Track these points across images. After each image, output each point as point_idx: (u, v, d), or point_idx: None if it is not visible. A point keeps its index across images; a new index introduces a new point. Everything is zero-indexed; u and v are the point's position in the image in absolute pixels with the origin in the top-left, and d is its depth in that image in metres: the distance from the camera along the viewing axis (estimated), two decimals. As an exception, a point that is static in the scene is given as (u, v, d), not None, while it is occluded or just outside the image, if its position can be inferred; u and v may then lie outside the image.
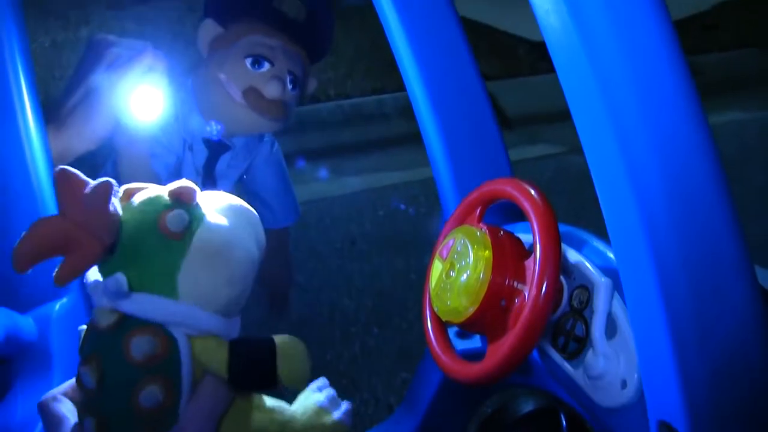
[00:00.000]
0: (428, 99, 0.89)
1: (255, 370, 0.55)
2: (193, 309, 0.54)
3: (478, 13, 4.42)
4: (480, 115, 0.90)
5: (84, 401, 0.54)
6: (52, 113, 0.94)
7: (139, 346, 0.52)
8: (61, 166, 0.53)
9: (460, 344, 0.99)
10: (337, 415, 0.61)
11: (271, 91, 1.08)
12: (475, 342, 1.01)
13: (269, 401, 0.59)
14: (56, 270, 0.51)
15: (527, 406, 1.10)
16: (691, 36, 4.58)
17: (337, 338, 1.93)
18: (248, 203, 1.31)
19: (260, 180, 1.29)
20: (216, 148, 1.16)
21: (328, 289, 2.13)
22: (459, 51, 0.90)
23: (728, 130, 3.44)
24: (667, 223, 0.52)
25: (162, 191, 0.56)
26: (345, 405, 0.62)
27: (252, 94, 1.08)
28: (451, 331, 1.02)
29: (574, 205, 2.56)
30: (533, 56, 4.02)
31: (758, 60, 4.52)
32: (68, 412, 0.55)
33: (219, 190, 1.21)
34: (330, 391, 0.63)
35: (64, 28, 3.92)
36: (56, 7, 4.22)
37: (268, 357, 0.56)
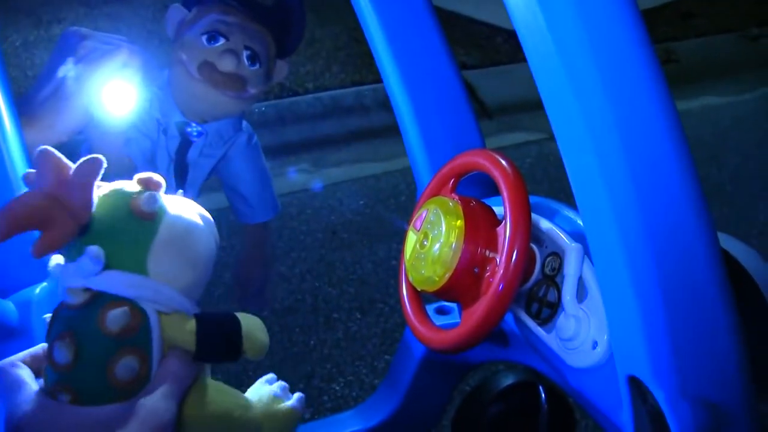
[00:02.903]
0: (401, 79, 0.90)
1: (222, 341, 0.57)
2: (162, 285, 0.56)
3: (456, 3, 4.43)
4: (452, 92, 0.92)
5: (56, 378, 0.54)
6: (23, 106, 0.93)
7: (115, 317, 0.53)
8: (43, 146, 0.54)
9: (439, 320, 1.01)
10: (290, 402, 0.63)
11: (225, 64, 1.09)
12: (453, 317, 1.03)
13: (227, 387, 0.60)
14: (34, 244, 0.52)
15: (507, 381, 1.12)
16: (669, 23, 4.61)
17: (321, 325, 1.95)
18: (227, 198, 1.30)
19: (238, 173, 1.29)
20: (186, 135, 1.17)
21: (310, 278, 2.15)
22: (429, 32, 0.91)
23: (704, 115, 3.47)
24: (629, 187, 0.54)
25: (128, 183, 0.58)
26: (297, 394, 0.64)
27: (206, 68, 1.10)
28: (431, 308, 1.03)
29: (555, 190, 2.60)
30: (511, 45, 4.04)
31: (734, 46, 4.56)
32: (28, 377, 0.55)
33: (191, 179, 1.22)
34: (281, 383, 0.65)
35: (35, 26, 3.88)
36: (27, 6, 4.18)
37: (234, 328, 0.58)
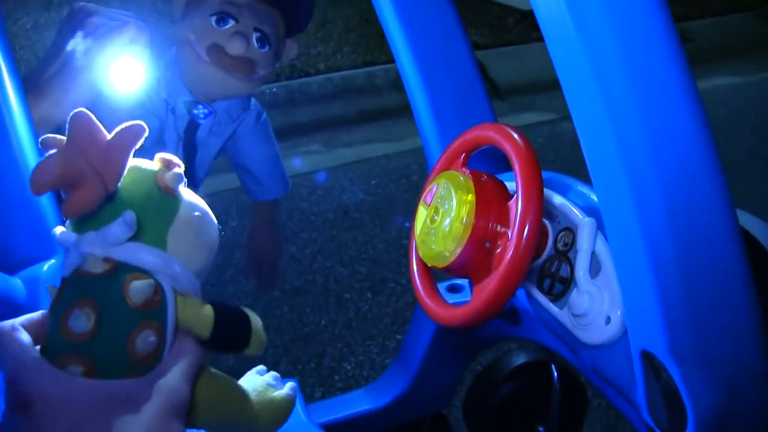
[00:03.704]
0: (410, 51, 0.89)
1: (234, 332, 0.58)
2: (180, 263, 0.55)
3: (468, -17, 4.39)
4: (463, 67, 0.90)
5: (66, 348, 0.53)
6: (30, 82, 0.93)
7: (140, 289, 0.53)
8: (80, 109, 0.53)
9: (451, 298, 1.00)
10: (284, 391, 0.64)
11: (234, 47, 1.08)
12: (465, 296, 1.02)
13: (225, 375, 0.60)
14: (65, 204, 0.52)
15: (519, 360, 1.11)
16: (682, 2, 4.56)
17: (332, 305, 1.94)
18: (238, 176, 1.30)
19: (247, 152, 1.28)
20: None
21: (321, 258, 2.14)
22: (441, 6, 0.90)
23: (718, 95, 3.44)
24: (647, 162, 0.53)
25: (149, 161, 0.58)
26: (290, 383, 0.65)
27: (215, 50, 1.09)
28: (442, 287, 1.03)
29: (567, 169, 2.56)
30: (523, 25, 4.01)
31: (749, 25, 4.51)
32: (29, 341, 0.53)
33: (200, 158, 1.21)
34: (273, 373, 0.65)
35: (46, 8, 3.87)
36: (37, -13, 4.19)
37: (246, 322, 0.58)
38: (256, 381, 0.63)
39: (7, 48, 0.85)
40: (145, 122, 1.12)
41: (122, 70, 0.96)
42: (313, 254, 2.16)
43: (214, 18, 1.09)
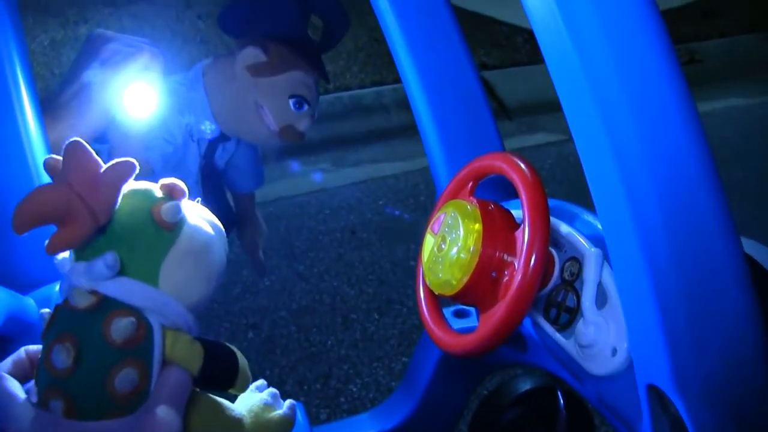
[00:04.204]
0: (420, 81, 0.90)
1: (222, 371, 0.58)
2: (170, 299, 0.55)
3: (476, 3, 4.41)
4: (471, 94, 0.91)
5: (49, 381, 0.53)
6: (47, 106, 0.94)
7: (120, 327, 0.52)
8: (74, 138, 0.53)
9: (457, 323, 1.00)
10: (282, 411, 0.62)
11: (304, 126, 1.17)
12: (471, 321, 1.02)
13: (216, 400, 0.60)
14: (49, 239, 0.52)
15: (525, 385, 1.11)
16: (692, 23, 4.57)
17: (338, 325, 1.95)
18: (228, 172, 1.34)
19: (240, 153, 1.33)
20: (217, 138, 1.20)
21: (328, 278, 2.15)
22: (450, 35, 0.91)
23: (729, 115, 3.43)
24: (650, 195, 0.53)
25: (152, 186, 0.57)
26: (289, 401, 0.63)
27: (289, 130, 1.16)
28: (448, 312, 1.03)
29: (575, 191, 2.56)
30: (531, 45, 4.02)
31: (759, 45, 4.50)
32: (16, 389, 0.53)
33: (216, 171, 1.24)
34: (272, 390, 0.64)
35: (62, 26, 3.92)
36: (54, 6, 4.22)
37: (233, 362, 0.58)
38: (253, 400, 0.62)
39: (27, 72, 0.86)
40: (159, 149, 1.14)
41: (136, 96, 0.98)
42: (321, 273, 2.16)
43: (293, 101, 1.15)
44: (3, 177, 0.84)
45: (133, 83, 0.97)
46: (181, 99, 1.14)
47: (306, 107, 1.16)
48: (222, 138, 1.20)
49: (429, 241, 0.74)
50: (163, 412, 0.52)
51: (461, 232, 0.69)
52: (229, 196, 1.35)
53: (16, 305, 0.76)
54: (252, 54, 1.14)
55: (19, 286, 0.80)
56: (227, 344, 0.59)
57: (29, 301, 0.80)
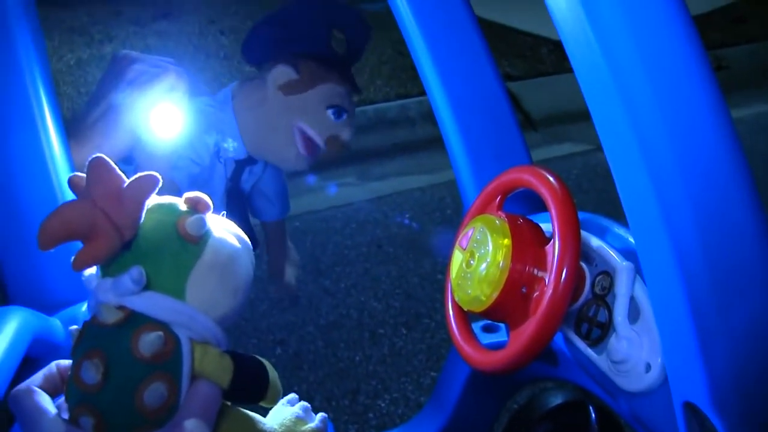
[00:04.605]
0: (446, 94, 0.89)
1: (252, 384, 0.58)
2: (198, 312, 0.55)
3: (500, 14, 4.41)
4: (497, 107, 0.90)
5: (79, 397, 0.53)
6: (73, 127, 0.95)
7: (148, 342, 0.52)
8: (97, 155, 0.53)
9: (486, 338, 0.99)
10: (313, 424, 0.62)
11: (347, 135, 1.17)
12: (501, 336, 1.01)
13: (246, 414, 0.59)
14: (75, 255, 0.52)
15: (555, 400, 1.09)
16: (719, 29, 4.53)
17: (366, 340, 1.94)
18: (254, 198, 1.34)
19: (266, 180, 1.33)
20: (244, 161, 1.20)
21: (355, 292, 2.14)
22: (474, 47, 0.91)
23: (758, 122, 3.39)
24: (685, 207, 0.52)
25: (176, 200, 0.58)
26: (320, 414, 0.63)
27: (334, 142, 1.16)
28: (477, 326, 1.02)
29: (602, 201, 2.56)
30: (556, 56, 4.01)
31: (787, 51, 4.46)
32: (47, 404, 0.54)
33: (242, 194, 1.24)
34: (303, 404, 0.64)
35: (88, 45, 3.97)
36: (80, 25, 4.29)
37: (264, 374, 0.58)
38: (285, 414, 0.62)
39: (50, 91, 0.87)
40: (185, 169, 1.15)
41: (162, 117, 0.98)
42: (347, 288, 2.16)
43: (331, 111, 1.15)
44: (28, 197, 0.85)
45: (159, 104, 0.98)
46: (209, 120, 1.14)
47: (345, 116, 1.16)
48: (249, 161, 1.21)
49: (457, 257, 0.74)
50: (192, 425, 0.52)
51: (490, 247, 0.69)
52: (253, 222, 1.36)
53: (42, 326, 0.77)
54: (284, 72, 1.14)
55: (45, 307, 0.81)
56: (257, 357, 0.59)
57: (56, 322, 0.81)
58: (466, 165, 0.90)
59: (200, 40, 4.01)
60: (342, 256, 2.33)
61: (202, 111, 1.12)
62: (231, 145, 1.16)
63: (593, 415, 1.03)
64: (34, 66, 0.85)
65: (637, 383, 0.63)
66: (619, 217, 0.71)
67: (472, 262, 0.71)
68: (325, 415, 0.64)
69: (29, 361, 0.75)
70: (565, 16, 0.54)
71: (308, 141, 1.15)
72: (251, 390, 0.58)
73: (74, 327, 0.57)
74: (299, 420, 0.61)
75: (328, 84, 1.15)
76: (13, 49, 0.84)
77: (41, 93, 0.86)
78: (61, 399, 0.56)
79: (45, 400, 0.54)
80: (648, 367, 0.62)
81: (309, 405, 0.64)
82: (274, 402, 0.60)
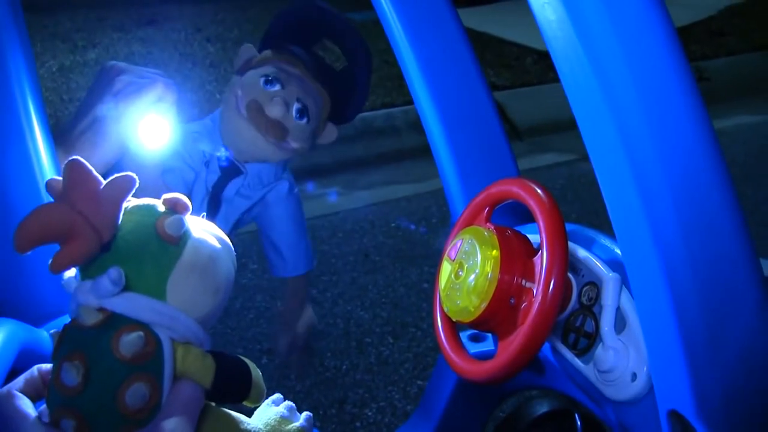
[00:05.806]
0: (434, 105, 0.90)
1: (234, 383, 0.58)
2: (179, 313, 0.55)
3: (486, 24, 4.44)
4: (485, 118, 0.91)
5: (60, 400, 0.53)
6: (61, 137, 0.94)
7: (129, 342, 0.52)
8: (73, 157, 0.54)
9: (474, 347, 1.00)
10: (298, 423, 0.62)
11: (272, 110, 1.10)
12: (488, 345, 1.01)
13: (230, 414, 0.60)
14: (53, 257, 0.51)
15: (542, 408, 1.10)
16: (699, 41, 4.58)
17: (353, 349, 1.94)
18: (263, 247, 1.29)
19: (274, 222, 1.27)
20: (228, 170, 1.18)
21: (342, 302, 2.14)
22: (463, 58, 0.91)
23: (737, 134, 3.43)
24: (671, 217, 0.53)
25: (155, 201, 0.58)
26: (306, 413, 0.63)
27: (254, 106, 1.10)
28: (464, 335, 1.02)
29: (586, 212, 2.58)
30: (541, 65, 4.03)
31: (766, 63, 4.51)
32: (28, 408, 0.53)
33: (223, 214, 1.22)
34: (288, 403, 0.64)
35: (71, 51, 3.95)
36: (63, 31, 4.27)
37: (246, 375, 0.59)
38: (269, 414, 0.62)
39: (37, 96, 0.87)
40: (180, 172, 1.13)
41: (149, 128, 0.98)
42: (334, 298, 2.16)
43: (263, 79, 1.11)
44: (14, 208, 0.84)
45: (147, 115, 0.98)
46: (201, 126, 1.14)
47: (277, 86, 1.10)
48: (233, 171, 1.18)
49: (446, 268, 0.74)
50: (174, 425, 0.52)
51: (479, 258, 0.69)
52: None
53: (29, 338, 0.76)
54: (245, 50, 1.14)
55: (32, 319, 0.80)
56: (240, 357, 0.59)
57: (43, 333, 0.81)
58: (454, 176, 0.91)
59: (186, 48, 4.00)
60: (329, 265, 2.33)
61: (190, 136, 1.12)
62: (223, 153, 1.15)
63: (579, 424, 1.03)
64: (21, 72, 0.85)
65: (623, 392, 0.64)
66: (603, 227, 0.72)
67: (461, 273, 0.71)
68: (311, 414, 0.64)
69: (16, 373, 0.75)
70: (552, 26, 0.55)
71: (256, 109, 1.10)
72: (234, 390, 0.58)
73: (54, 330, 0.56)
74: (284, 420, 0.61)
75: (278, 62, 1.13)
76: (0, 53, 0.84)
77: (29, 100, 0.85)
78: (43, 404, 0.55)
79: (25, 404, 0.54)
80: (634, 377, 0.63)
81: (294, 405, 0.64)
82: (258, 401, 0.60)
